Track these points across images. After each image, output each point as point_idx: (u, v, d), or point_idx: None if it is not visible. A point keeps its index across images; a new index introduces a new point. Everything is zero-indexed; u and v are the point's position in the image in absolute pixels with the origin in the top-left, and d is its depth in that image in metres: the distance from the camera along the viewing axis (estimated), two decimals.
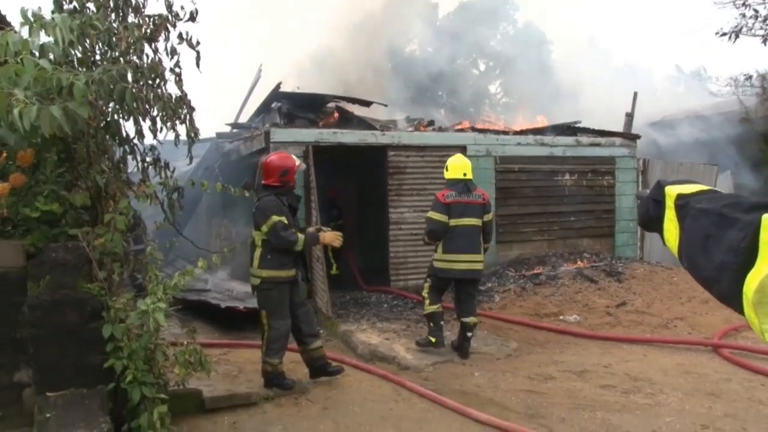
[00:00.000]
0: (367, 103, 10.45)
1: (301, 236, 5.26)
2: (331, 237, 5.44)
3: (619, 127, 11.74)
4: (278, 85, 9.59)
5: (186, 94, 4.87)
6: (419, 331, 7.36)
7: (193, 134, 5.01)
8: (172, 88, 4.79)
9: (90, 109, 4.22)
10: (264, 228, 5.19)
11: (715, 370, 5.73)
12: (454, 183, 6.40)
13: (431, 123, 10.82)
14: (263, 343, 5.31)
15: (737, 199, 1.07)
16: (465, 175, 6.43)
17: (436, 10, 25.31)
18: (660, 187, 1.27)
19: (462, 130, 10.81)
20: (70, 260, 4.32)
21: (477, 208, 6.32)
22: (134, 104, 4.36)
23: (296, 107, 9.73)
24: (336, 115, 9.91)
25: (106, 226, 4.40)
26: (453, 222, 6.21)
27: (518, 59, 20.51)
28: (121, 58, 4.59)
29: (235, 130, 10.70)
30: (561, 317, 7.85)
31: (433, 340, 6.33)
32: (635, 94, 12.12)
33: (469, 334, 6.32)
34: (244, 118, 12.04)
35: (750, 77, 15.09)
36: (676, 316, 7.73)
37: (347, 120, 9.94)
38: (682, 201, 1.19)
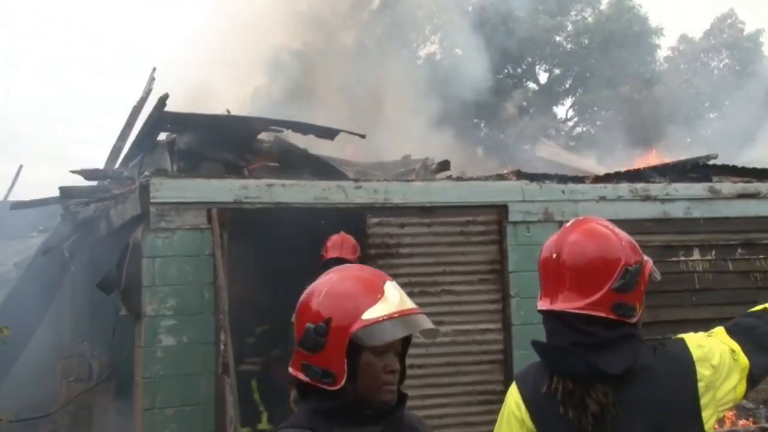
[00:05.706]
0: (330, 134, 6.14)
1: None
2: None
3: None
4: (162, 99, 5.29)
5: None
6: None
7: None
8: None
9: None
10: None
11: None
12: None
13: (444, 165, 6.42)
14: None
15: None
16: None
17: None
18: None
19: (502, 177, 6.35)
20: None
21: None
22: None
23: (204, 142, 5.62)
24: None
25: None
26: None
27: (607, 60, 13.93)
28: None
29: (93, 183, 6.38)
30: None
31: None
32: None
33: None
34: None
35: None
36: None
37: (297, 162, 5.73)
38: None
